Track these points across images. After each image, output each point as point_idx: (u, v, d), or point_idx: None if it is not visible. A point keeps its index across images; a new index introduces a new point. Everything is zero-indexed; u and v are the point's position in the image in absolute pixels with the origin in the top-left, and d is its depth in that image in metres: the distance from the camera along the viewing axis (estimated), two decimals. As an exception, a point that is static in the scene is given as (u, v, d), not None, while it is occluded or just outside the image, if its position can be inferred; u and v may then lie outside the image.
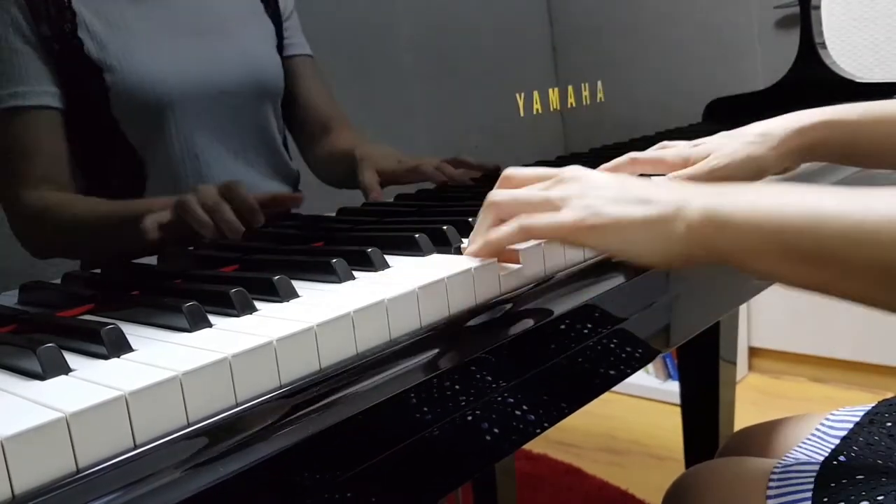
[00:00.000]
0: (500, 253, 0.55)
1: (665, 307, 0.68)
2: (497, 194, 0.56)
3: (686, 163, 0.73)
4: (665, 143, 0.78)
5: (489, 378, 0.49)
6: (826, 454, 0.68)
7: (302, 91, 0.69)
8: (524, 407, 0.52)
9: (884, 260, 0.45)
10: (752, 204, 0.50)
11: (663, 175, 0.77)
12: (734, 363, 1.39)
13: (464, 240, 0.61)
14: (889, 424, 0.69)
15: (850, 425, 0.72)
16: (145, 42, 0.59)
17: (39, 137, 0.56)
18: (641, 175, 0.80)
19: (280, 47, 0.68)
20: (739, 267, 0.52)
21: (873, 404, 0.74)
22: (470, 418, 0.48)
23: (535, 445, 1.95)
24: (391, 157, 0.76)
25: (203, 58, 0.63)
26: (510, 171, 0.59)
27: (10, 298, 0.52)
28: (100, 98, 0.57)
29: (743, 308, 2.22)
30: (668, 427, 1.98)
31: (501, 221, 0.55)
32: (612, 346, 0.60)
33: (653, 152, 0.76)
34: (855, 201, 0.47)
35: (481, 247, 0.55)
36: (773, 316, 2.25)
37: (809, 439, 0.74)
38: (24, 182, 0.54)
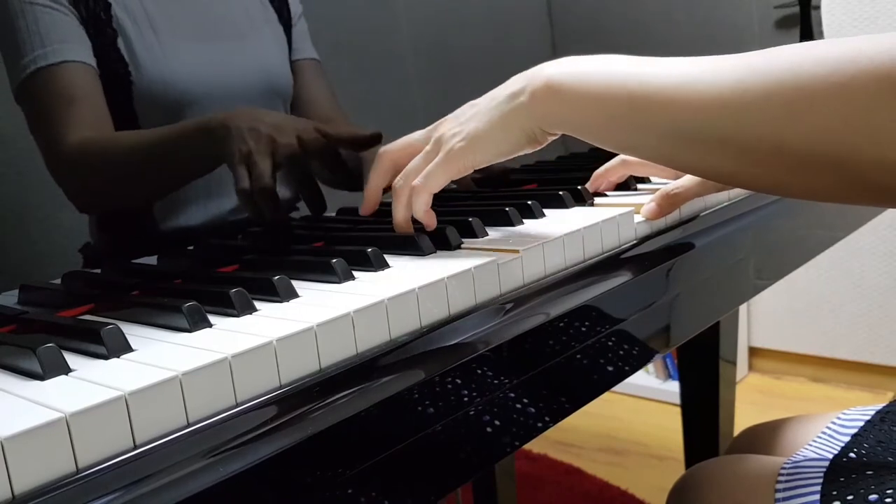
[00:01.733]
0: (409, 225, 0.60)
1: (665, 307, 0.68)
2: (396, 180, 0.61)
3: None
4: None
5: (489, 378, 0.49)
6: (836, 451, 0.68)
7: (307, 92, 0.71)
8: (524, 407, 0.52)
9: (668, 125, 0.46)
10: (587, 72, 0.51)
11: (656, 176, 0.77)
12: (734, 363, 1.39)
13: (464, 240, 0.61)
14: None
15: (862, 423, 0.72)
16: (168, 44, 0.61)
17: (86, 86, 0.58)
18: (634, 177, 0.80)
19: (289, 51, 0.70)
20: (577, 135, 0.53)
21: (884, 404, 0.74)
22: (470, 419, 0.48)
23: (535, 445, 1.95)
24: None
25: (220, 61, 0.65)
26: (399, 141, 0.63)
27: (10, 298, 0.52)
28: (124, 90, 0.59)
29: (743, 308, 2.22)
30: (668, 427, 1.99)
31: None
32: (612, 345, 0.60)
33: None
34: (656, 67, 0.48)
35: (400, 225, 0.60)
36: (773, 316, 2.25)
37: (819, 437, 0.74)
38: (71, 129, 0.56)
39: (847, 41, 0.41)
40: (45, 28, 0.56)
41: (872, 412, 0.73)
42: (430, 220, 0.59)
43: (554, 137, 0.56)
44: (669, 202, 0.69)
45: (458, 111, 0.60)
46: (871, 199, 0.44)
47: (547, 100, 0.53)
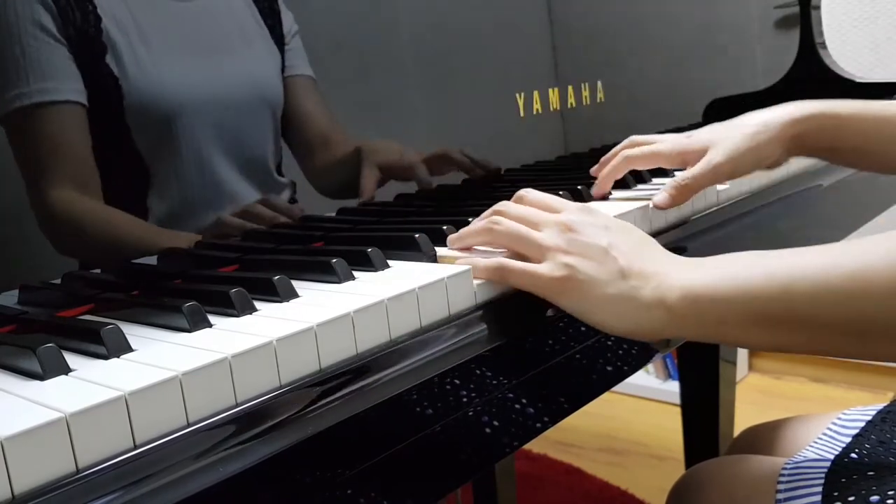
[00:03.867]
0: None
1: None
2: (504, 209, 0.57)
3: (682, 155, 0.73)
4: (655, 136, 0.78)
5: (490, 378, 0.49)
6: (837, 452, 0.68)
7: (302, 108, 0.71)
8: (525, 407, 0.52)
9: (849, 317, 0.45)
10: (723, 276, 0.49)
11: (660, 166, 0.77)
12: (734, 363, 1.39)
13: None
14: None
15: (863, 423, 0.72)
16: (159, 57, 0.61)
17: (67, 133, 0.56)
18: (631, 174, 0.80)
19: (282, 68, 0.70)
20: (714, 339, 0.52)
21: (885, 403, 0.74)
22: (470, 418, 0.48)
23: (535, 445, 1.95)
24: (395, 150, 0.77)
25: (210, 73, 0.65)
26: (524, 192, 0.60)
27: (10, 298, 0.52)
28: (115, 104, 0.58)
29: (743, 308, 2.21)
30: (668, 427, 1.99)
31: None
32: (612, 345, 0.60)
33: (647, 148, 0.76)
34: (822, 259, 0.46)
35: (459, 258, 0.56)
36: (774, 316, 2.24)
37: (821, 438, 0.74)
38: (51, 180, 0.55)
39: None
40: (32, 60, 0.54)
41: (873, 412, 0.73)
42: (465, 262, 0.55)
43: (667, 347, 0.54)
44: (682, 192, 0.69)
45: (578, 218, 0.54)
46: None
47: (686, 311, 0.49)
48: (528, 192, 0.60)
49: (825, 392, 2.14)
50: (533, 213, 0.56)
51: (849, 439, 0.70)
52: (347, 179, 0.74)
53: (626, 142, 0.78)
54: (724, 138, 0.73)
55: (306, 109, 0.71)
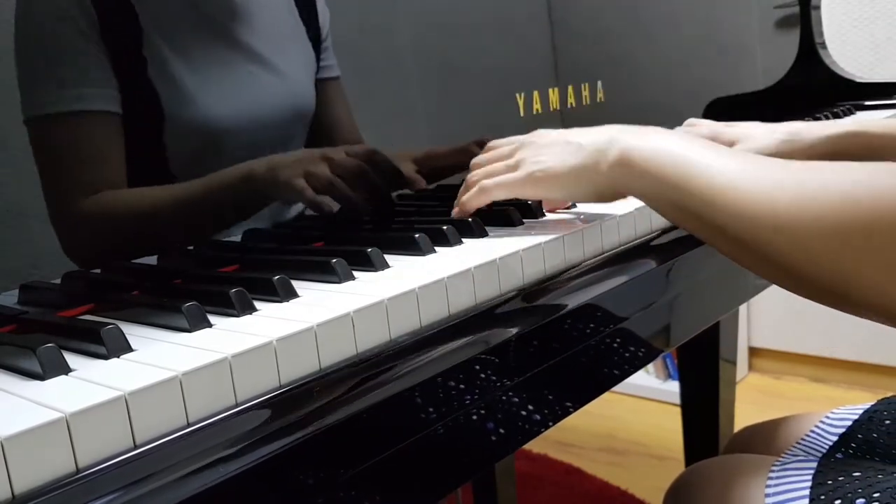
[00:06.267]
0: (469, 214, 0.64)
1: (665, 307, 0.68)
2: (476, 161, 0.67)
3: (714, 139, 0.74)
4: (693, 119, 0.80)
5: (490, 378, 0.49)
6: (824, 451, 0.68)
7: (330, 114, 0.71)
8: (525, 407, 0.52)
9: (725, 224, 0.49)
10: (657, 150, 0.54)
11: None
12: (734, 363, 1.39)
13: (464, 240, 0.61)
14: (888, 422, 0.69)
15: (849, 423, 0.72)
16: (206, 74, 0.60)
17: (103, 142, 0.55)
18: None
19: (316, 69, 0.70)
20: (650, 206, 0.58)
21: (873, 402, 0.74)
22: (471, 418, 0.48)
23: (535, 445, 1.95)
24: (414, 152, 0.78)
25: (254, 98, 0.65)
26: (491, 143, 0.69)
27: (10, 298, 0.52)
28: (153, 123, 0.57)
29: (743, 308, 2.22)
30: (668, 427, 1.98)
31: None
32: (612, 345, 0.60)
33: (684, 128, 0.80)
34: (722, 160, 0.51)
35: (455, 212, 0.65)
36: (773, 316, 2.25)
37: (808, 436, 0.74)
38: (80, 188, 0.54)
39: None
40: (69, 64, 0.52)
41: (861, 411, 0.73)
42: (466, 212, 0.64)
43: (624, 198, 0.61)
44: None
45: (539, 136, 0.64)
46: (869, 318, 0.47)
47: (620, 169, 0.57)
48: (493, 142, 0.69)
49: (825, 392, 2.14)
50: (497, 152, 0.66)
51: (836, 438, 0.70)
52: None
53: (686, 122, 0.82)
54: (753, 137, 0.74)
55: (334, 117, 0.71)
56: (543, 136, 0.64)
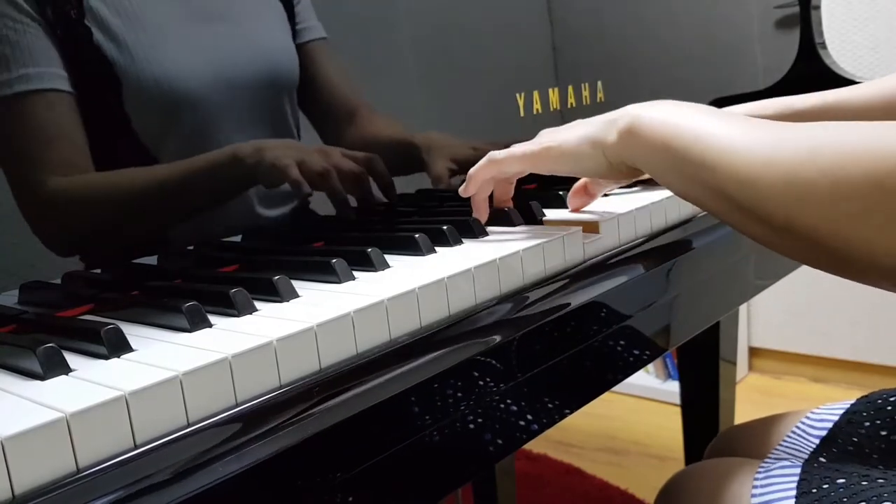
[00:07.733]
0: (478, 188, 0.63)
1: (665, 307, 0.68)
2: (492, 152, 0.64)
3: None
4: None
5: (490, 377, 0.49)
6: (806, 456, 0.68)
7: (320, 78, 0.67)
8: (525, 407, 0.52)
9: (720, 187, 0.48)
10: (665, 120, 0.53)
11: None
12: (734, 363, 1.38)
13: (464, 240, 0.61)
14: (867, 424, 0.69)
15: (830, 424, 0.72)
16: (158, 35, 0.58)
17: (55, 121, 0.53)
18: None
19: (293, 34, 0.66)
20: (656, 178, 0.55)
21: (852, 401, 0.74)
22: (471, 418, 0.48)
23: (535, 445, 1.95)
24: (461, 145, 0.77)
25: (217, 51, 0.61)
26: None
27: (10, 298, 0.52)
28: (110, 92, 0.55)
29: (743, 308, 2.22)
30: (668, 427, 1.99)
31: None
32: (613, 345, 0.60)
33: None
34: (719, 126, 0.49)
35: (462, 189, 0.64)
36: (773, 316, 2.25)
37: (790, 437, 0.74)
38: (40, 172, 0.52)
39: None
40: (7, 47, 0.50)
41: (841, 411, 0.73)
42: (473, 185, 0.63)
43: (636, 174, 0.58)
44: None
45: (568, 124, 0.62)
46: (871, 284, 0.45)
47: (628, 138, 0.55)
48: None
49: (825, 392, 2.14)
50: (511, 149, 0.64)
51: (817, 441, 0.70)
52: (403, 159, 0.73)
53: None
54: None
55: (326, 79, 0.68)
56: (559, 127, 0.63)
